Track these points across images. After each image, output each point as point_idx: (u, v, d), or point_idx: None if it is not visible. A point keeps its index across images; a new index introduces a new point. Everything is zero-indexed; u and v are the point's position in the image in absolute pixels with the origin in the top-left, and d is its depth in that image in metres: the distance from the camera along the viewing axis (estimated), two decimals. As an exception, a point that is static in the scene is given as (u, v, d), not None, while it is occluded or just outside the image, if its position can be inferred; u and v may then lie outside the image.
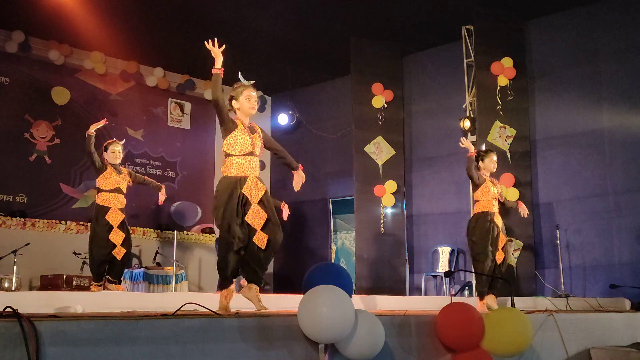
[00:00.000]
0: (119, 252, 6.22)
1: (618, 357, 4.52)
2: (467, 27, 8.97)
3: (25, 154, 8.99)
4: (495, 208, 5.93)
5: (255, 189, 4.05)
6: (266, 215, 4.04)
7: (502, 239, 5.89)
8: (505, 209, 6.52)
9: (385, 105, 9.50)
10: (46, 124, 9.24)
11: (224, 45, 4.19)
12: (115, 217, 6.21)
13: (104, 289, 6.23)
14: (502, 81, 8.47)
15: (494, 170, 6.11)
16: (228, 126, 4.14)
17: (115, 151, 6.43)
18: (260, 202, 4.05)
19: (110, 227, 6.19)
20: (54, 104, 9.31)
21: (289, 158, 4.50)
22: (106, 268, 6.31)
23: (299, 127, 11.02)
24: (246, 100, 4.20)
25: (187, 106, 10.94)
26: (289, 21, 8.88)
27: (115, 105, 10.02)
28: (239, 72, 4.33)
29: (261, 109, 11.48)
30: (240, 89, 4.23)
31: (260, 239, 4.02)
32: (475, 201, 6.05)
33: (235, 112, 4.27)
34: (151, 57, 10.00)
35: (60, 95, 9.35)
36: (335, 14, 8.68)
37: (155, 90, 10.46)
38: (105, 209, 6.21)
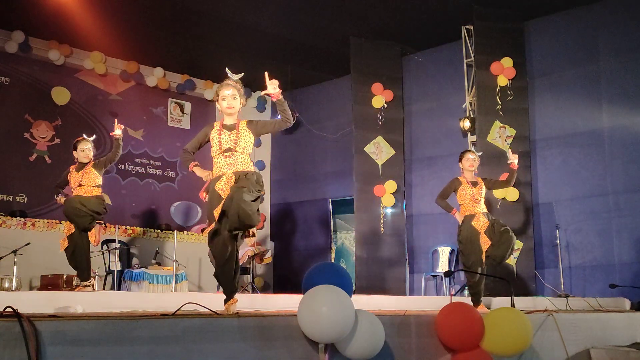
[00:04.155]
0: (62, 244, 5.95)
1: (618, 357, 4.52)
2: (467, 27, 8.97)
3: (25, 154, 9.00)
4: (478, 208, 5.76)
5: (228, 184, 3.88)
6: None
7: (485, 241, 5.64)
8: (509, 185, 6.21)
9: (385, 105, 9.50)
10: (46, 124, 9.24)
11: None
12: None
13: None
14: (502, 81, 8.48)
15: (473, 168, 5.87)
16: (208, 136, 4.09)
17: (85, 149, 5.98)
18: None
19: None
20: (54, 104, 9.31)
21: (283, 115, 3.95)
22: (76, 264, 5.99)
23: (299, 127, 11.01)
24: (222, 100, 3.97)
25: (187, 106, 10.93)
26: (289, 21, 8.88)
27: (115, 105, 10.01)
28: (226, 68, 4.02)
29: (261, 108, 11.49)
30: (217, 89, 4.00)
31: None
32: (459, 205, 5.92)
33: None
34: (151, 57, 9.99)
35: (60, 95, 9.36)
36: (335, 14, 8.68)
37: (155, 90, 10.46)
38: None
